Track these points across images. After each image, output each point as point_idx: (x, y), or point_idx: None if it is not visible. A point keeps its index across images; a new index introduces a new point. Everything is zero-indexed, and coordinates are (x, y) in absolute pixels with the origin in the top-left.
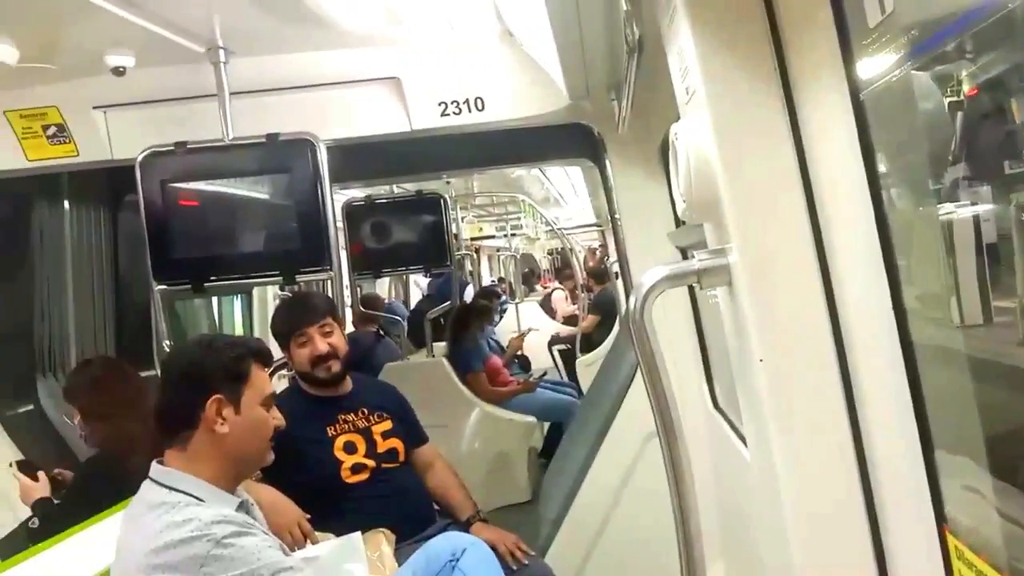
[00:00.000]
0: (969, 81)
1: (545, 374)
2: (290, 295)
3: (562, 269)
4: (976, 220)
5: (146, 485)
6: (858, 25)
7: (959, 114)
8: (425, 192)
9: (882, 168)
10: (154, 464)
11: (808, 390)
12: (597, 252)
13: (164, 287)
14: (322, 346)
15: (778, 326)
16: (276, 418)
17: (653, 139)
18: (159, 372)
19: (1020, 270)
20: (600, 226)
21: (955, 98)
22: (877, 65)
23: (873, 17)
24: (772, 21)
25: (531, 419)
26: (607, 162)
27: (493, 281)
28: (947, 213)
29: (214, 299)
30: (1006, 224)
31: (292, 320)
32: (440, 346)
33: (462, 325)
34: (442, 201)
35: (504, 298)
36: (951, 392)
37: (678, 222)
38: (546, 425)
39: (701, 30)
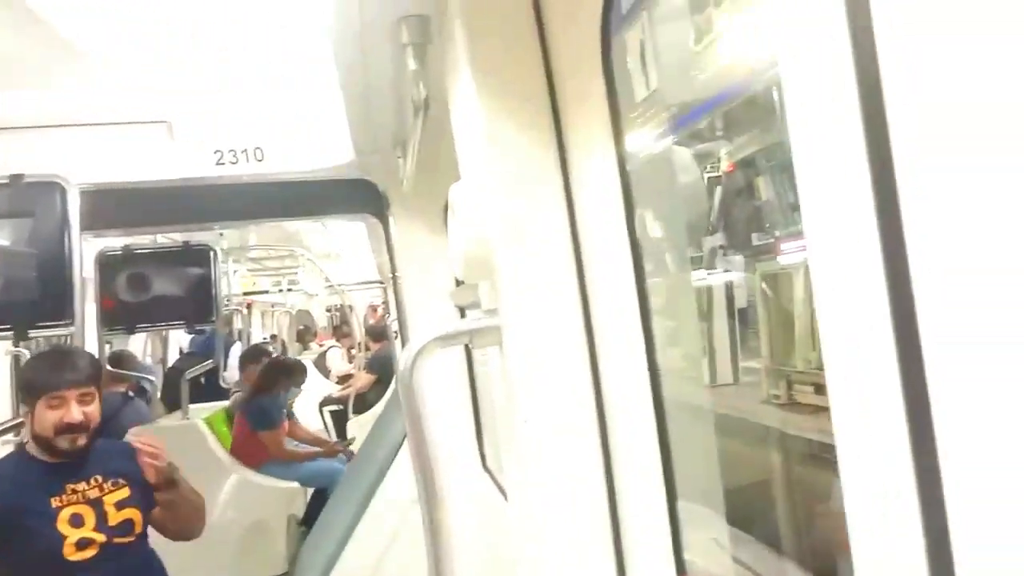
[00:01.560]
0: (726, 158)
1: (353, 439)
2: (41, 350)
3: (340, 326)
4: (728, 286)
5: None
6: (627, 99)
7: (716, 188)
8: (192, 243)
9: (644, 236)
10: None
11: (569, 452)
12: (379, 310)
13: None
14: (77, 415)
15: (544, 388)
16: None
17: (437, 198)
18: None
19: (765, 333)
20: (383, 283)
21: (712, 173)
22: (641, 138)
23: (640, 92)
24: (552, 91)
25: (293, 485)
26: (390, 219)
27: (265, 339)
28: (701, 280)
29: None
30: (753, 290)
31: (51, 377)
32: (196, 407)
33: (271, 381)
34: (211, 254)
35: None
36: (700, 449)
37: (459, 281)
38: (310, 491)
39: (485, 95)
